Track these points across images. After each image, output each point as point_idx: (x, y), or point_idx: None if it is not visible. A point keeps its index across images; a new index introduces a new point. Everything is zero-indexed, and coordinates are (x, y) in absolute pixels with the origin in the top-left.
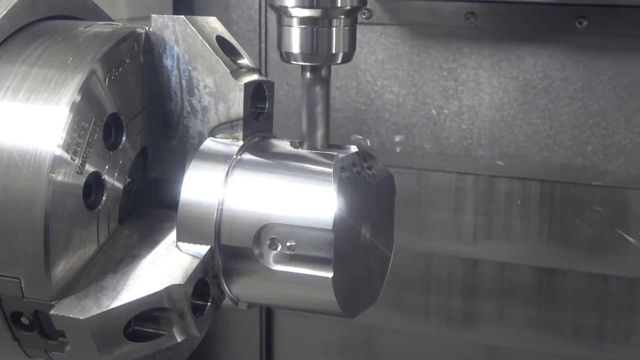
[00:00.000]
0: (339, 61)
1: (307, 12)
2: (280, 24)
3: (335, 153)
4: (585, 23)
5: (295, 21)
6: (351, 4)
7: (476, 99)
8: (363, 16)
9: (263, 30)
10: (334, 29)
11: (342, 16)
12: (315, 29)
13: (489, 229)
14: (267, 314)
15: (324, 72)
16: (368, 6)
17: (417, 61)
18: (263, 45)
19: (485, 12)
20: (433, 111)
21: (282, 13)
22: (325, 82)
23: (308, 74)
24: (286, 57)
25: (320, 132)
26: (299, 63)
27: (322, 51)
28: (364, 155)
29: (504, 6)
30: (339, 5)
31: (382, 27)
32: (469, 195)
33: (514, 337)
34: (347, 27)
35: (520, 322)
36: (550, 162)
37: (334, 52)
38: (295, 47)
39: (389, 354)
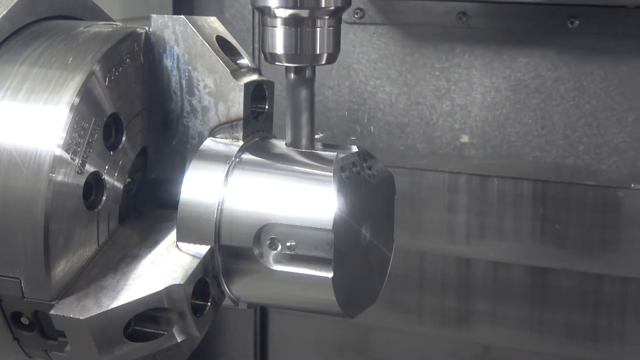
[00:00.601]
0: (324, 62)
1: (290, 13)
2: (264, 24)
3: (335, 153)
4: (577, 23)
5: (278, 22)
6: (335, 4)
7: (468, 99)
8: (355, 16)
9: (257, 30)
10: (318, 29)
11: (327, 17)
12: (299, 29)
13: (482, 229)
14: (262, 313)
15: (308, 73)
16: (360, 6)
17: (410, 61)
18: (257, 45)
19: (478, 12)
20: (426, 111)
21: (265, 13)
22: (310, 83)
23: (292, 75)
24: (270, 58)
25: (304, 133)
26: (283, 64)
27: (306, 52)
28: (364, 155)
29: (496, 6)
30: (323, 5)
31: (374, 27)
32: (462, 194)
33: (507, 337)
34: (331, 28)
35: (514, 321)
36: (542, 162)
37: (318, 52)
38: (279, 48)
39: (383, 354)
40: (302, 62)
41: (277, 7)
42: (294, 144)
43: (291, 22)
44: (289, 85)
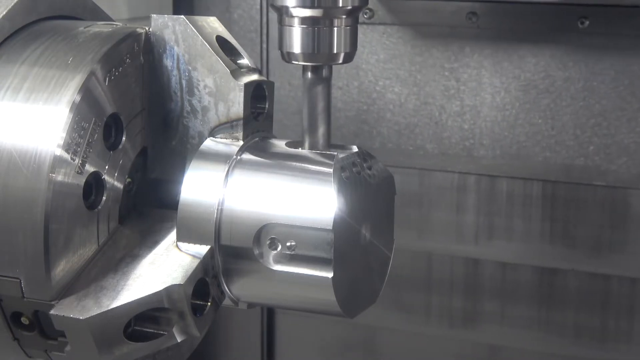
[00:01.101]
0: (340, 61)
1: (308, 12)
2: (281, 23)
3: (335, 153)
4: (587, 23)
5: (296, 21)
6: (352, 4)
7: (478, 99)
8: (365, 16)
9: (264, 30)
10: (335, 29)
11: (344, 16)
12: (316, 29)
13: (491, 229)
14: (268, 313)
15: (325, 72)
16: (370, 6)
17: (419, 61)
18: (264, 46)
19: (487, 11)
20: (435, 111)
21: (283, 13)
22: (327, 82)
23: (309, 74)
24: (287, 57)
25: (321, 132)
26: (300, 63)
27: (323, 51)
28: (364, 155)
29: (506, 6)
30: (340, 5)
31: (383, 27)
32: (471, 195)
33: (515, 337)
34: (348, 27)
35: (522, 322)
36: (552, 162)
37: (335, 52)
38: (296, 47)
39: (390, 354)
40: (319, 61)
41: (294, 7)
42: (311, 143)
43: (308, 22)
44: (306, 84)
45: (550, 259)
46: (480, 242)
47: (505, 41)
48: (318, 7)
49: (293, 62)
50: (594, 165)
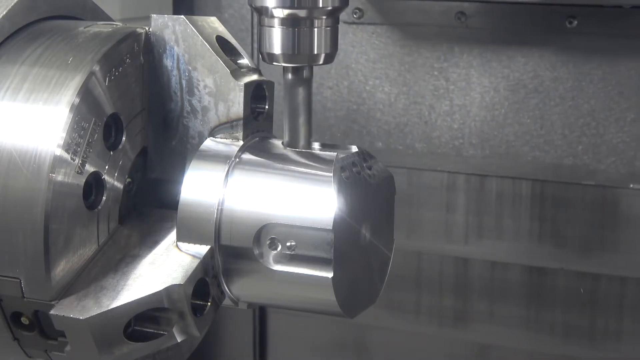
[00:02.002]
0: (321, 62)
1: (288, 13)
2: (261, 24)
3: (335, 153)
4: (575, 23)
5: (276, 22)
6: (333, 5)
7: (467, 99)
8: (354, 16)
9: (255, 30)
10: (315, 29)
11: (324, 17)
12: (296, 29)
13: (480, 228)
14: (261, 313)
15: (305, 73)
16: (359, 6)
17: (409, 61)
18: (256, 45)
19: (476, 11)
20: (424, 111)
21: (263, 13)
22: (307, 83)
23: (290, 75)
24: (268, 58)
25: (302, 133)
26: (280, 64)
27: (303, 52)
28: (364, 155)
29: (495, 6)
30: (321, 5)
31: (373, 27)
32: (460, 194)
33: (505, 336)
34: (329, 28)
35: (511, 321)
36: (541, 162)
37: (315, 52)
38: (276, 48)
39: (381, 353)
40: (300, 62)
41: (274, 7)
42: (291, 143)
43: (289, 22)
44: (287, 85)
45: (539, 258)
46: (469, 242)
47: (494, 41)
48: (298, 7)
49: (273, 63)
50: (582, 165)
